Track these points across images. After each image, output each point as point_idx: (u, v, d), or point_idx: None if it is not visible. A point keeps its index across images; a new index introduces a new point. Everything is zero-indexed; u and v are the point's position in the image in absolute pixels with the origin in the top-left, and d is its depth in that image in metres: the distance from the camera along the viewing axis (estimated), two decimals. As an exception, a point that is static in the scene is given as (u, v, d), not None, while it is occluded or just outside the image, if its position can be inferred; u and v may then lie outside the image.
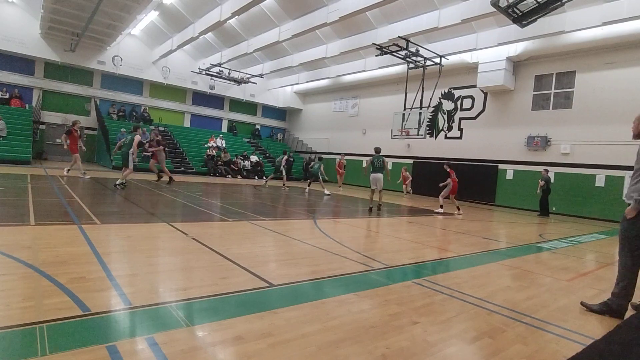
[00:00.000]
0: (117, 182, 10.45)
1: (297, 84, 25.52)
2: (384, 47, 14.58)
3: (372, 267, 4.52)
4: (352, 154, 23.50)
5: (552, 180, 13.88)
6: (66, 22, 16.83)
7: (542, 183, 13.47)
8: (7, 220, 5.32)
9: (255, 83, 24.79)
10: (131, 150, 10.74)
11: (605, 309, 3.49)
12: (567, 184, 14.51)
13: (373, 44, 15.37)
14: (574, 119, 14.55)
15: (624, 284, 3.44)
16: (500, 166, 16.67)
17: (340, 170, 19.44)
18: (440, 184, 12.18)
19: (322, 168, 15.80)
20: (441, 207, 11.93)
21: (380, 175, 10.63)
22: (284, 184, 17.29)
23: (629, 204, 3.42)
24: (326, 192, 15.07)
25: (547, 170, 13.76)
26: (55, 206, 6.79)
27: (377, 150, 11.05)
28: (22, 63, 19.49)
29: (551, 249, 6.97)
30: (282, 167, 16.77)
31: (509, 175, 16.33)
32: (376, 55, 16.75)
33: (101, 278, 3.27)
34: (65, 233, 4.81)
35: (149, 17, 18.98)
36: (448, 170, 12.02)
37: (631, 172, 3.53)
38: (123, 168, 11.15)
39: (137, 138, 10.75)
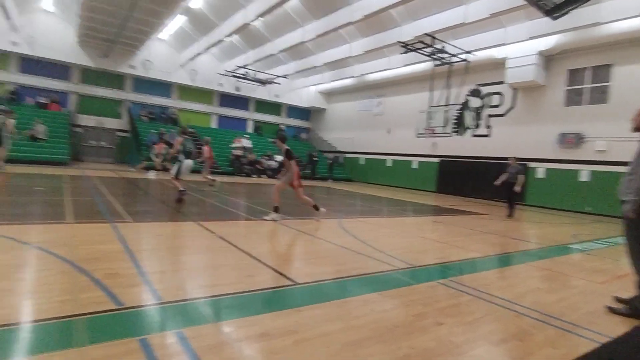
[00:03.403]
0: None
1: (322, 83, 25.58)
2: (409, 45, 14.39)
3: (396, 266, 4.49)
4: (377, 153, 23.42)
5: (524, 173, 11.36)
6: (100, 29, 17.54)
7: (504, 176, 11.05)
8: (47, 218, 5.63)
9: (280, 84, 25.00)
10: (8, 132, 11.43)
11: (633, 312, 3.34)
12: (603, 183, 13.84)
13: (398, 41, 15.20)
14: (610, 114, 13.87)
15: None
16: (531, 164, 16.10)
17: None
18: (280, 175, 8.90)
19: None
20: (276, 209, 7.18)
21: None
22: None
23: (623, 201, 3.32)
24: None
25: (515, 159, 11.29)
26: (90, 205, 7.10)
27: None
28: (60, 69, 20.50)
29: (585, 250, 6.69)
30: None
31: (540, 173, 15.75)
32: (401, 53, 16.53)
33: (133, 274, 3.41)
34: (99, 231, 5.03)
35: (177, 22, 19.52)
36: (285, 148, 7.17)
37: None
38: None
39: (10, 122, 11.55)
